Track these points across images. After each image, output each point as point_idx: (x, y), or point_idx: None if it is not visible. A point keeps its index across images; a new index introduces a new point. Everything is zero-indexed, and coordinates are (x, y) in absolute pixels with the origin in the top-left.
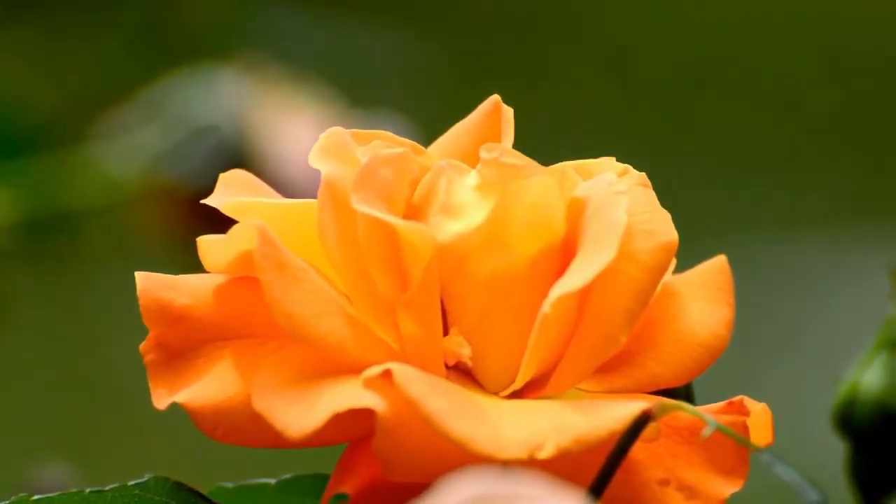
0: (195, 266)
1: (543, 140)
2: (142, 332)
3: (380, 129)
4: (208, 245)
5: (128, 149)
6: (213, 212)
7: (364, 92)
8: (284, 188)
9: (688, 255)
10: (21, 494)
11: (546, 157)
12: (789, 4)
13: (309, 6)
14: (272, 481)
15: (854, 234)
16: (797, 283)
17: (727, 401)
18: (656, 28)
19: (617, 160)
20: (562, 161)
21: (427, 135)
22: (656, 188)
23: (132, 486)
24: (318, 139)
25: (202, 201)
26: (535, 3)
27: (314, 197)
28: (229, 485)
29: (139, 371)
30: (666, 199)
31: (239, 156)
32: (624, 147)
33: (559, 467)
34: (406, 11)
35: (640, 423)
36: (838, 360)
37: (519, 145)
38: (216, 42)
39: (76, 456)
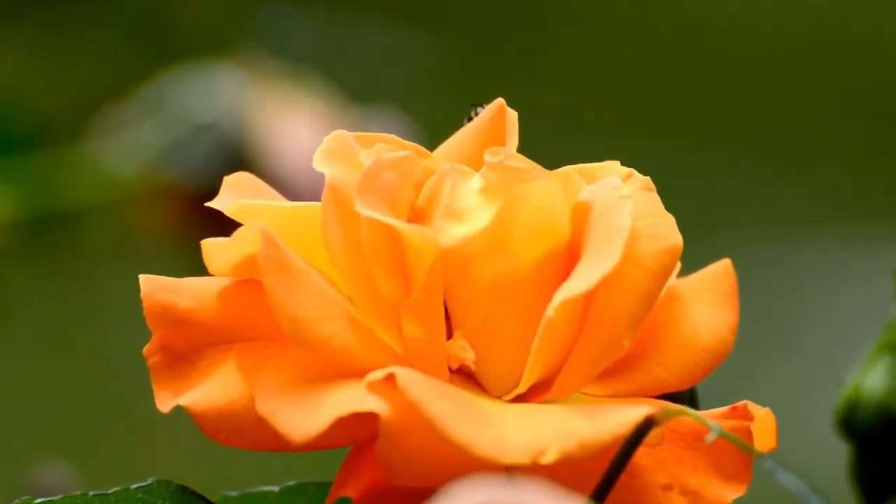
0: (195, 263)
1: (543, 139)
2: (142, 330)
3: (378, 125)
4: (212, 248)
5: (127, 146)
6: (213, 209)
7: (364, 90)
8: (283, 185)
9: (687, 256)
10: (24, 497)
11: (546, 156)
12: (789, 4)
13: (309, 4)
14: (275, 489)
15: (855, 234)
16: (797, 283)
17: (731, 405)
18: (656, 27)
19: (616, 160)
20: (561, 160)
21: (427, 133)
22: (656, 188)
23: (135, 489)
24: (318, 138)
25: (207, 204)
26: (535, 2)
27: (313, 194)
28: (233, 493)
29: (139, 370)
30: (665, 199)
31: (238, 152)
32: (623, 147)
33: (562, 472)
34: (407, 10)
35: (644, 427)
36: (839, 361)
37: (519, 144)
38: (215, 39)
39: (75, 456)
